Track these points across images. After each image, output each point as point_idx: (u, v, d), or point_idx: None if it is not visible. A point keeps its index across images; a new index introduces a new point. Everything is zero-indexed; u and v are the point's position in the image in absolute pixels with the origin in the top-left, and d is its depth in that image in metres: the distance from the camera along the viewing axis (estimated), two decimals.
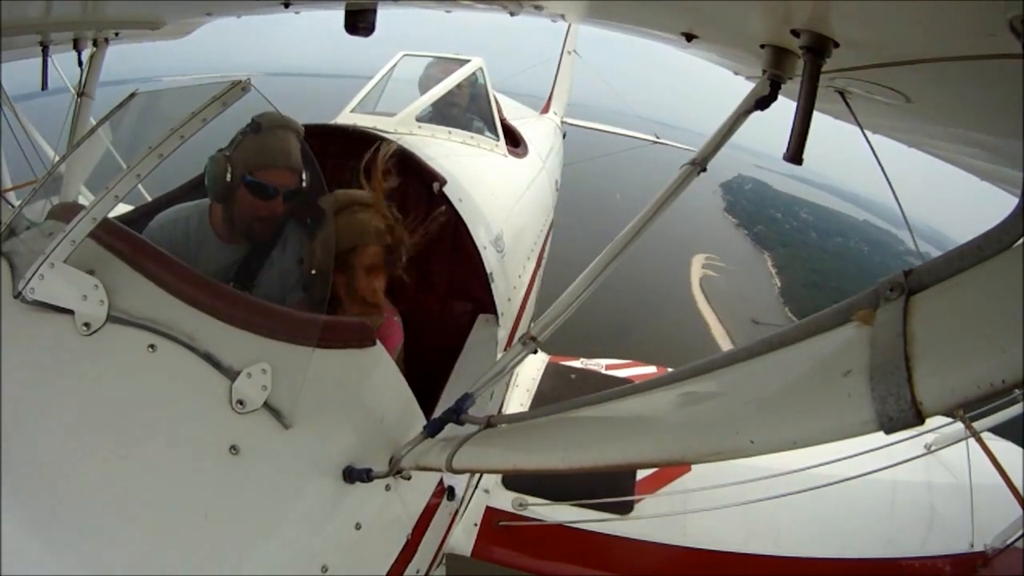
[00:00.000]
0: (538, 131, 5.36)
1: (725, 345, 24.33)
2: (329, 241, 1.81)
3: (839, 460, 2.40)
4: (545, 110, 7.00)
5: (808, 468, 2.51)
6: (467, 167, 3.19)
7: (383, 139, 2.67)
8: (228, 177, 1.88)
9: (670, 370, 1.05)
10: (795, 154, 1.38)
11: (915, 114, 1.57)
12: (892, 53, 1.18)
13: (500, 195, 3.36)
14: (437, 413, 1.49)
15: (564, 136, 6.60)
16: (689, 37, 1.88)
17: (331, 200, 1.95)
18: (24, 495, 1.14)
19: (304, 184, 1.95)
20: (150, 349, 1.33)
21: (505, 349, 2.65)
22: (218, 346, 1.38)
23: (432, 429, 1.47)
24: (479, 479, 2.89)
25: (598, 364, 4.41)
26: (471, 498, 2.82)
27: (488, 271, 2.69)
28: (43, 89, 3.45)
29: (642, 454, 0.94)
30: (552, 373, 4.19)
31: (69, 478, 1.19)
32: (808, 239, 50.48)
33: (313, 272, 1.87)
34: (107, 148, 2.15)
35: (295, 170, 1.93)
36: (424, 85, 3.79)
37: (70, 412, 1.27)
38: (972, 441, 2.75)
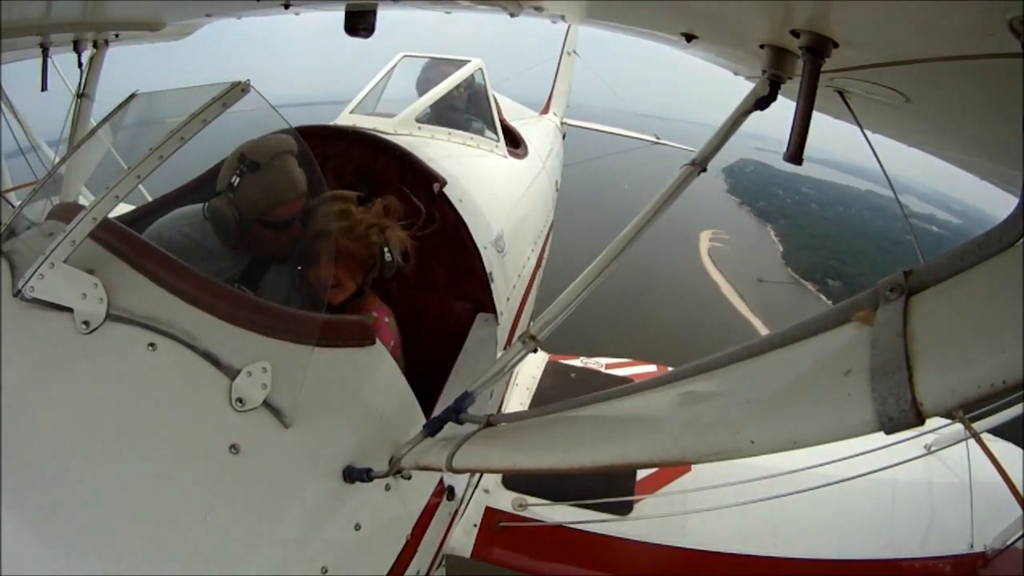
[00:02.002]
0: (538, 132, 5.37)
1: (734, 301, 26.89)
2: (329, 242, 1.81)
3: (839, 460, 2.40)
4: (545, 111, 7.00)
5: (808, 468, 2.51)
6: (467, 168, 3.19)
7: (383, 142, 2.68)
8: (238, 221, 1.85)
9: (670, 369, 1.05)
10: (795, 154, 1.38)
11: (915, 114, 1.56)
12: (891, 53, 1.18)
13: (500, 196, 3.36)
14: (437, 412, 1.49)
15: (564, 137, 6.60)
16: (689, 37, 1.88)
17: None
18: (24, 494, 1.14)
19: (315, 196, 1.92)
20: (150, 347, 1.33)
21: (504, 348, 2.65)
22: (218, 344, 1.38)
23: (432, 428, 1.47)
24: (479, 479, 2.89)
25: (598, 363, 4.42)
26: (471, 498, 2.82)
27: (488, 271, 2.69)
28: (43, 90, 3.45)
29: (642, 454, 0.94)
30: (552, 372, 4.20)
31: (68, 476, 1.19)
32: (809, 210, 52.09)
33: (316, 272, 1.86)
34: (107, 149, 2.14)
35: (305, 193, 1.90)
36: (422, 87, 3.79)
37: (69, 409, 1.26)
38: (972, 442, 2.75)
